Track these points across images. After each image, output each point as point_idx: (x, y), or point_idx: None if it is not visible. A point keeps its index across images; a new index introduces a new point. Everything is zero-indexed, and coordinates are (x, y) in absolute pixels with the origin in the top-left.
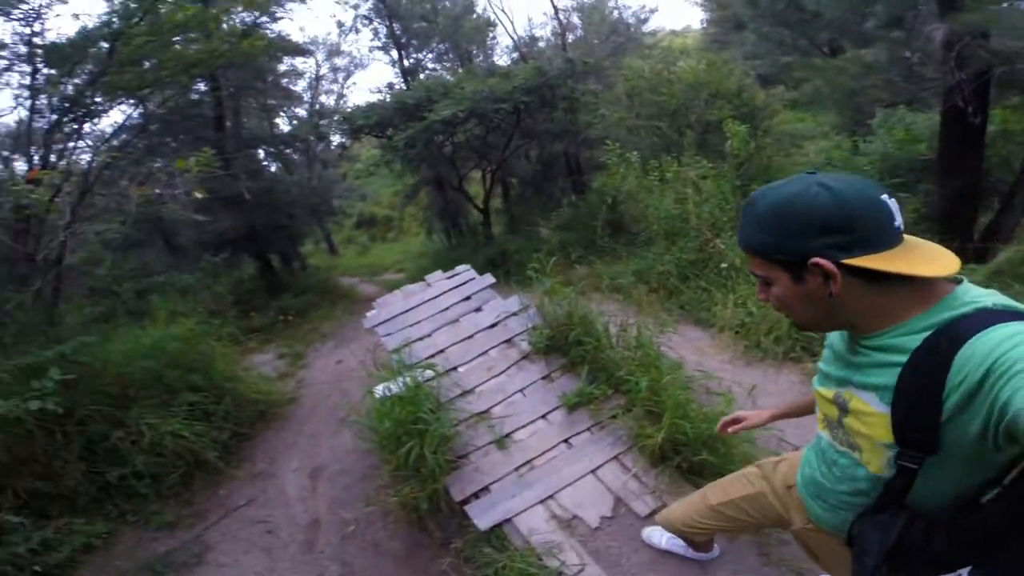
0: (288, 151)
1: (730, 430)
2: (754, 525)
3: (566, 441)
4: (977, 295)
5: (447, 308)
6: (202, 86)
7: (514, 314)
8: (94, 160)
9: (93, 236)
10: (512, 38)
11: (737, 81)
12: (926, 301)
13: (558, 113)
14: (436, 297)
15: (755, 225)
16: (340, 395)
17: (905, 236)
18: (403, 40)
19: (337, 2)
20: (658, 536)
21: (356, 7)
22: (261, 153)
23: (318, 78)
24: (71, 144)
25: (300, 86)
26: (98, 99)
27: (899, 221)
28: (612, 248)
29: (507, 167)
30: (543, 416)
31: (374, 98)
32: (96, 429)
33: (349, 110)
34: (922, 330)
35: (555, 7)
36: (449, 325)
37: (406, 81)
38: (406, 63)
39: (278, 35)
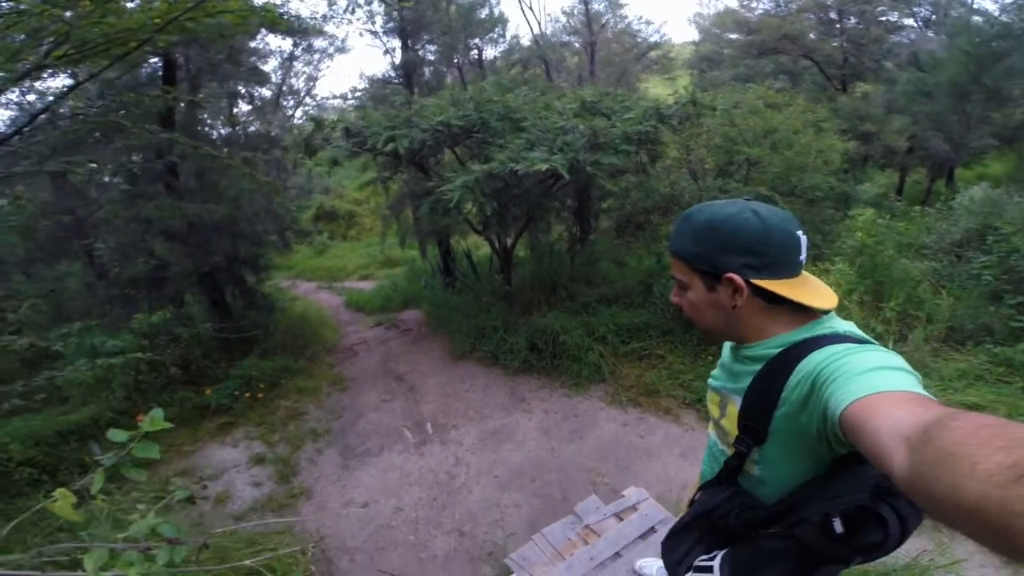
0: (261, 156)
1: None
2: None
3: None
4: (835, 323)
5: None
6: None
7: None
8: None
9: None
10: (538, 42)
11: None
12: (798, 323)
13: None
14: (619, 555)
15: (689, 235)
16: None
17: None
18: (408, 29)
19: None
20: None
21: None
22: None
23: (291, 58)
24: None
25: (270, 65)
26: None
27: (804, 256)
28: (685, 337)
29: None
30: None
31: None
32: None
33: (354, 119)
34: (784, 345)
35: (587, 10)
36: None
37: (408, 78)
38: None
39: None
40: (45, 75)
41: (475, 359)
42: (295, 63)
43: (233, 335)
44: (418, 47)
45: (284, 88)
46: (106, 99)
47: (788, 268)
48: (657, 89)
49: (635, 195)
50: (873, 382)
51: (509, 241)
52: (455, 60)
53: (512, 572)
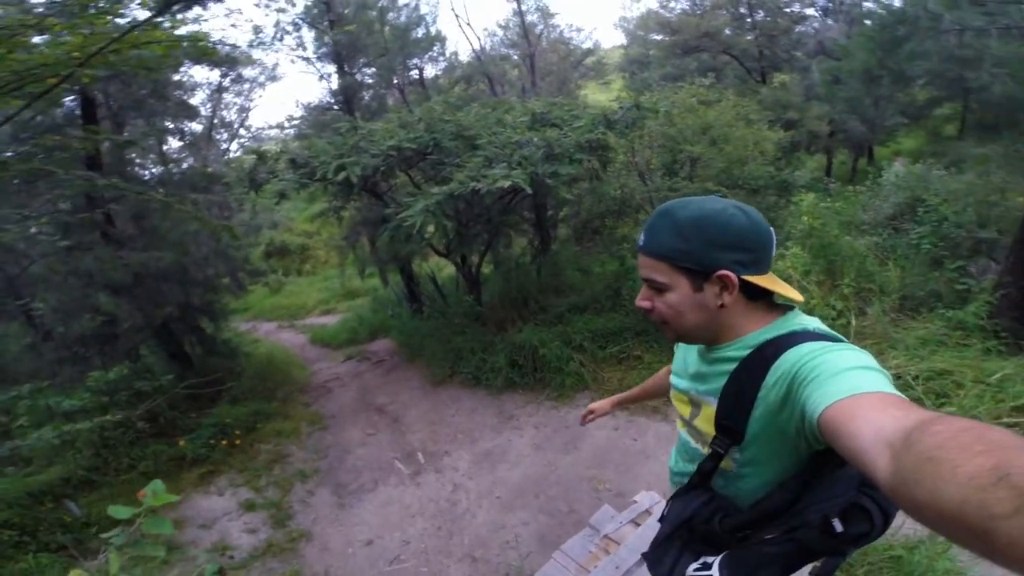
0: (203, 196)
1: (584, 421)
2: None
3: None
4: (803, 320)
5: None
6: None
7: None
8: None
9: None
10: (479, 57)
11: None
12: (766, 320)
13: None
14: (640, 565)
15: (672, 232)
16: None
17: None
18: (343, 53)
19: (258, 4)
20: None
21: (282, 11)
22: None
23: (220, 89)
24: None
25: (198, 98)
26: None
27: (774, 253)
28: (659, 335)
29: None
30: None
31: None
32: None
33: (298, 148)
34: (756, 343)
35: (523, 23)
36: None
37: (348, 102)
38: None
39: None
40: None
41: (456, 383)
42: (225, 94)
43: (199, 390)
44: (355, 71)
45: (216, 121)
46: (22, 143)
47: (767, 265)
48: (595, 95)
49: (588, 201)
50: (850, 383)
51: (475, 260)
52: (395, 81)
53: None
